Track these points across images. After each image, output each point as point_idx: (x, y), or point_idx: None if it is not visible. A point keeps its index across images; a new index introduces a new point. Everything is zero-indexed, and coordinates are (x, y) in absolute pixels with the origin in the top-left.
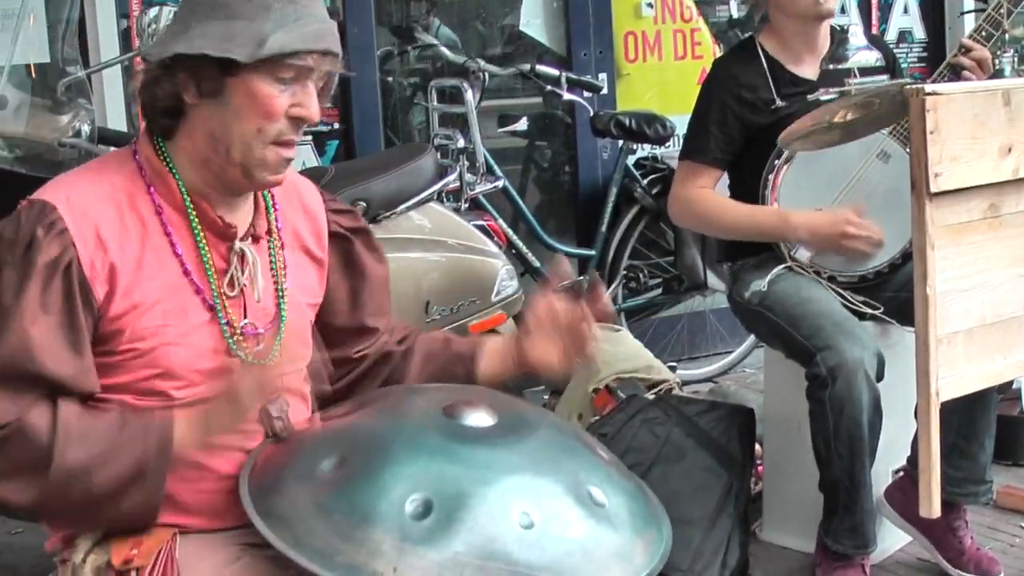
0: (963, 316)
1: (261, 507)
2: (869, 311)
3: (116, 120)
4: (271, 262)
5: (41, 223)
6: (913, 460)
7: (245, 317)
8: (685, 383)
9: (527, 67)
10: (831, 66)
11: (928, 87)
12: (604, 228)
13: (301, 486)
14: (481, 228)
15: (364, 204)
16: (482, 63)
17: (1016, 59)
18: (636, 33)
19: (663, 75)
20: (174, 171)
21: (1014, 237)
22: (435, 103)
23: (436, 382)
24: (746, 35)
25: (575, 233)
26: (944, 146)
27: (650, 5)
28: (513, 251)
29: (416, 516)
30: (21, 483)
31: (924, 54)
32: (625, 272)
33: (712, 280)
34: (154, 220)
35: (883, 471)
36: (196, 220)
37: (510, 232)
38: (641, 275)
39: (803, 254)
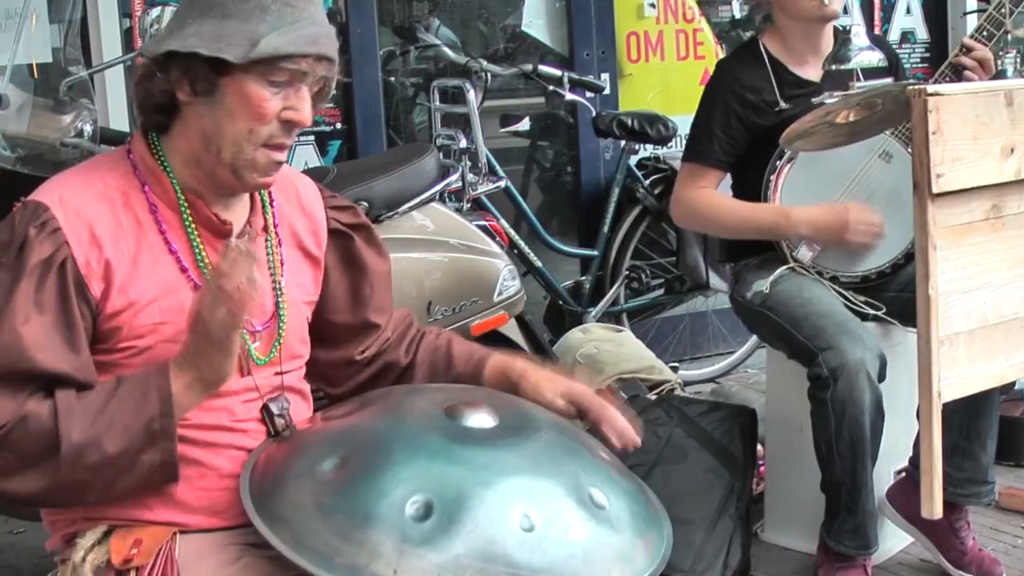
0: (965, 317)
1: (262, 507)
2: (871, 312)
3: (118, 120)
4: (268, 259)
5: (34, 223)
6: (915, 461)
7: None
8: (687, 383)
9: (529, 67)
10: (834, 67)
11: (930, 87)
12: (606, 228)
13: (302, 486)
14: (483, 228)
15: (366, 204)
16: (484, 63)
17: (1019, 60)
18: (638, 33)
19: (665, 75)
20: (168, 169)
21: (1016, 238)
22: (437, 103)
23: None
24: (748, 35)
25: (577, 233)
26: (946, 147)
27: (652, 5)
28: (515, 251)
29: (417, 518)
30: (35, 472)
31: (927, 54)
32: (627, 272)
33: (714, 280)
34: (149, 218)
35: (885, 472)
36: (190, 217)
37: (512, 232)
38: (643, 275)
39: (805, 254)
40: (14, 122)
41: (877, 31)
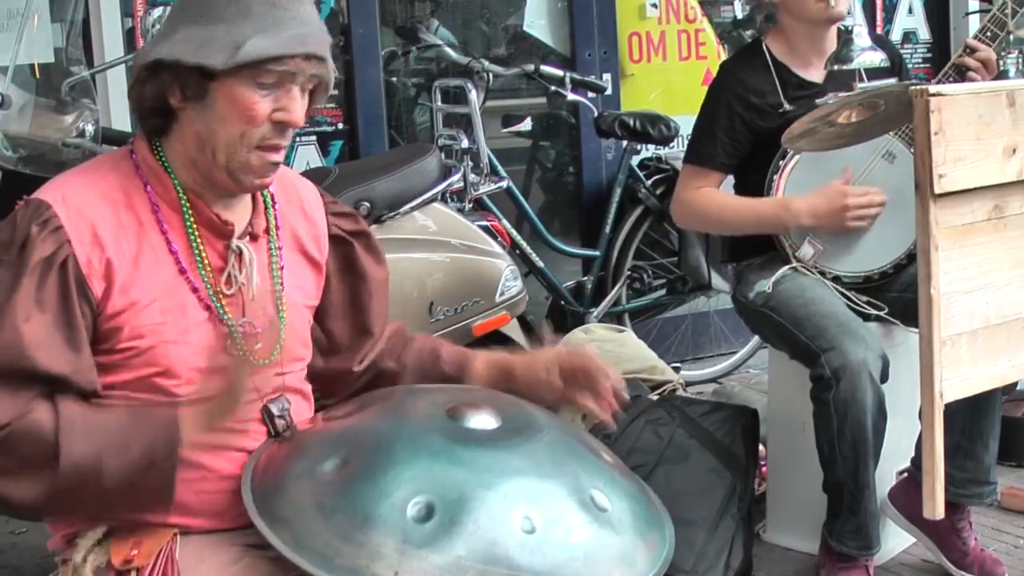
0: (967, 317)
1: (263, 508)
2: (873, 312)
3: (120, 120)
4: (270, 261)
5: (35, 221)
6: (917, 461)
7: (243, 316)
8: (689, 384)
9: (531, 67)
10: (836, 67)
11: (932, 88)
12: (608, 229)
13: (303, 487)
14: (485, 228)
15: (368, 204)
16: (486, 63)
17: (1021, 60)
18: (640, 33)
19: (667, 76)
20: (169, 170)
21: (1019, 238)
22: (439, 103)
23: None
24: (749, 35)
25: (579, 233)
26: (948, 147)
27: (654, 5)
28: (517, 251)
29: (418, 519)
30: (30, 481)
31: (929, 55)
32: (629, 272)
33: (716, 281)
34: (150, 218)
35: (887, 472)
36: (191, 218)
37: (514, 232)
38: (645, 275)
39: (806, 252)
40: (16, 122)
41: (879, 31)
